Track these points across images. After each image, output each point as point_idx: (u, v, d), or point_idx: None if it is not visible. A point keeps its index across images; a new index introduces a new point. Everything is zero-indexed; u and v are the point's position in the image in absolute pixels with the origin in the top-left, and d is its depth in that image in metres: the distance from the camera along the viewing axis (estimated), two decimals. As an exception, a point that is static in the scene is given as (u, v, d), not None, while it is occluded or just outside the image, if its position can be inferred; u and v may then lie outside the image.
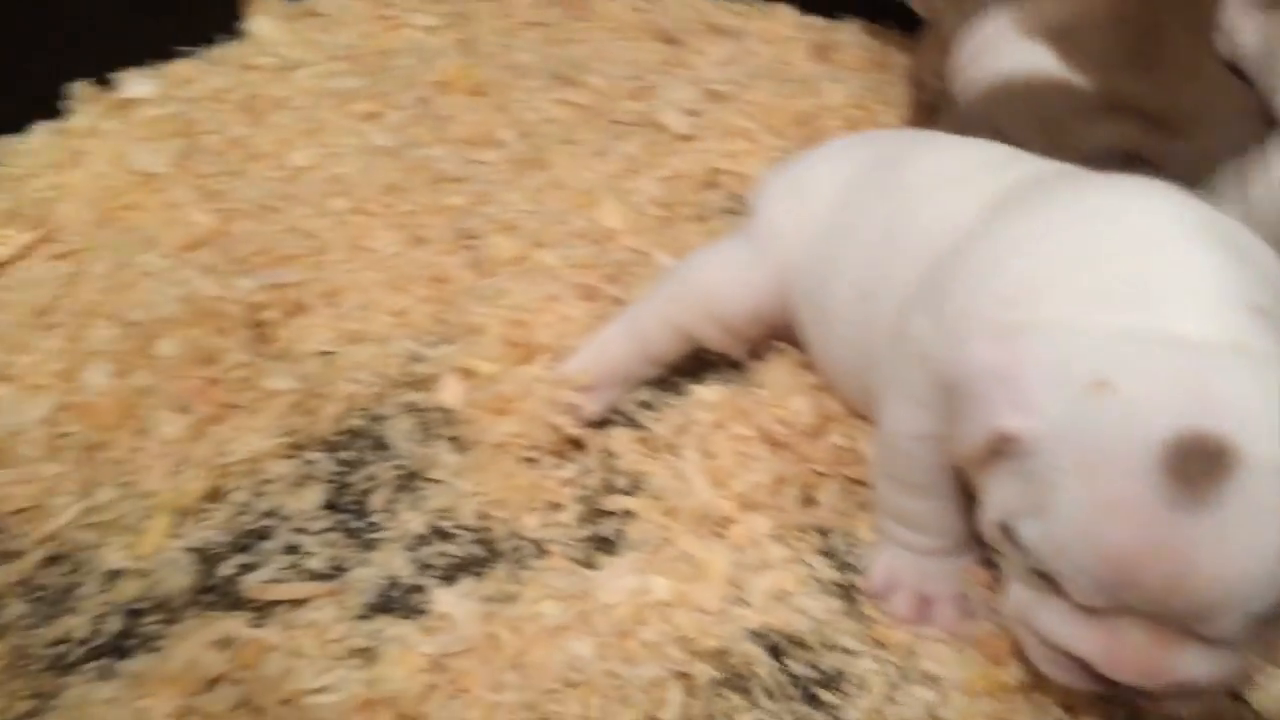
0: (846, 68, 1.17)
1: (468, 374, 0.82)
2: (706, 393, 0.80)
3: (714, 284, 0.79)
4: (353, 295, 0.89)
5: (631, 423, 0.80)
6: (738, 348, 0.81)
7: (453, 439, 0.80)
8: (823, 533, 0.73)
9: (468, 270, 0.92)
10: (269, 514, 0.75)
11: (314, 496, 0.76)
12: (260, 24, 1.14)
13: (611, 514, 0.75)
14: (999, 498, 0.55)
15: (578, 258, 0.91)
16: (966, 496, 0.63)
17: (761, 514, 0.73)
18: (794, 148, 1.02)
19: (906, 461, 0.65)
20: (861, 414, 0.77)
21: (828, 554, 0.72)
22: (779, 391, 0.79)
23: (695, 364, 0.83)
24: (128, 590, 0.70)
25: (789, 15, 1.23)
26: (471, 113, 1.09)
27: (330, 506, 0.76)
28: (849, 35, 1.21)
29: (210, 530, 0.74)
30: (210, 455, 0.77)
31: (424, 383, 0.83)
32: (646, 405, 0.81)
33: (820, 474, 0.75)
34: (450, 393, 0.82)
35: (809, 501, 0.74)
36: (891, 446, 0.66)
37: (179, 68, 1.08)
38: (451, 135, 1.06)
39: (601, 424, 0.80)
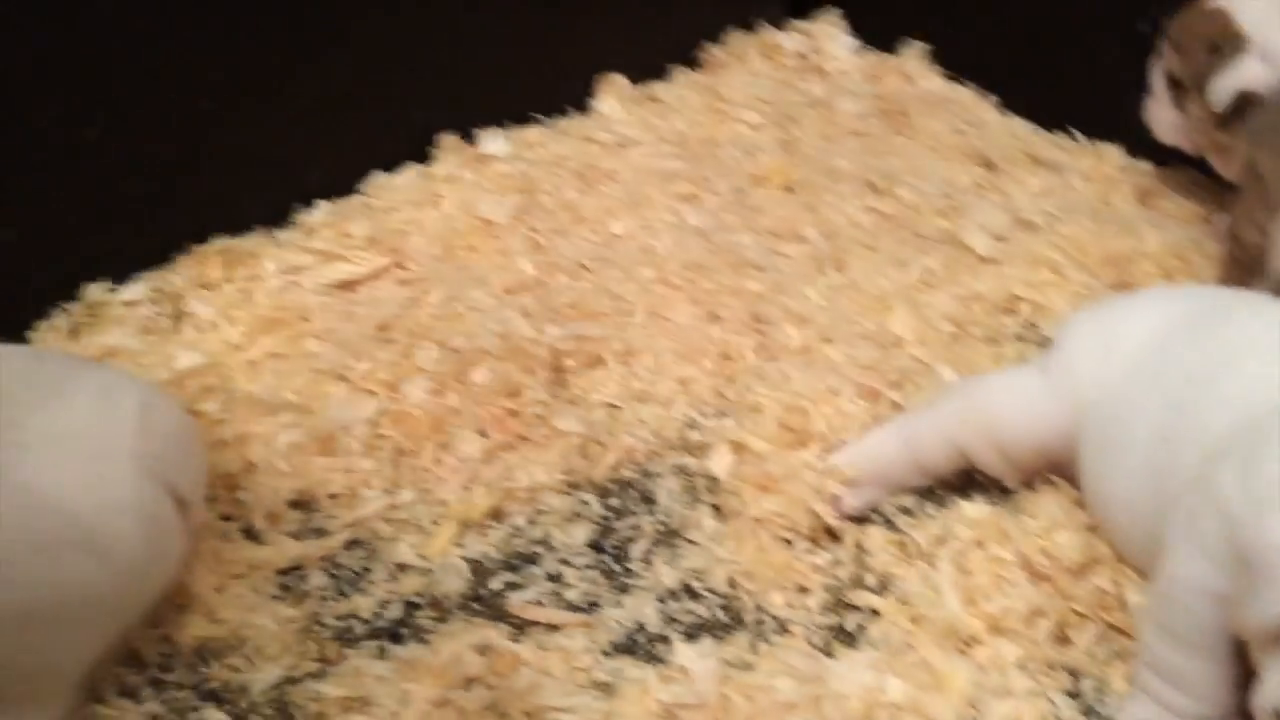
0: (1169, 215, 1.14)
1: (740, 448, 0.86)
2: (971, 509, 0.80)
3: (1001, 408, 0.79)
4: (646, 358, 0.96)
5: (889, 524, 0.82)
6: (1011, 475, 0.81)
7: (715, 506, 0.84)
8: (1073, 674, 0.71)
9: (755, 352, 0.96)
10: (540, 541, 0.82)
11: (581, 534, 0.82)
12: (607, 103, 1.25)
13: (856, 608, 0.76)
14: None
15: (863, 358, 0.93)
16: (1242, 667, 0.60)
17: (1010, 641, 0.72)
18: (1101, 287, 1.01)
19: (1184, 615, 0.63)
20: (1132, 562, 0.75)
21: (1074, 695, 0.70)
22: (1046, 523, 0.78)
23: (962, 479, 0.83)
24: (410, 584, 0.78)
25: (1116, 155, 1.21)
26: (781, 208, 1.14)
27: (594, 546, 0.82)
28: (1177, 183, 1.18)
29: (487, 546, 0.81)
30: (498, 478, 0.85)
31: (697, 449, 0.88)
32: (907, 511, 0.82)
33: (1079, 614, 0.74)
34: (720, 463, 0.86)
35: (1063, 639, 0.73)
36: (1171, 596, 0.64)
37: (530, 133, 1.19)
38: (759, 226, 1.12)
39: (860, 520, 0.82)
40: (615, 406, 0.92)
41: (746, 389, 0.92)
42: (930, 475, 0.83)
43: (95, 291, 0.96)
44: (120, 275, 0.98)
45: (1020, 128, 1.25)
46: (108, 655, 0.70)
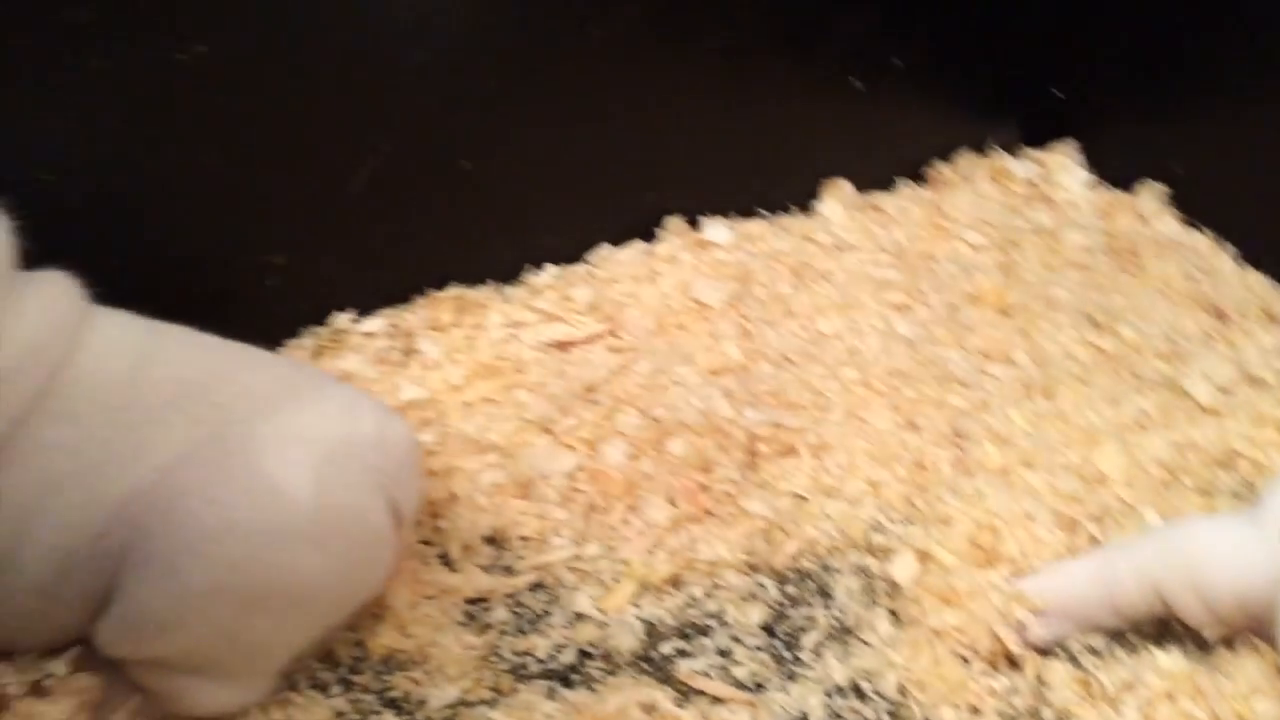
0: None
1: (925, 557, 0.86)
2: (1165, 659, 0.77)
3: (1208, 551, 0.76)
4: (838, 455, 0.97)
5: (1074, 661, 0.79)
6: (1213, 628, 0.77)
7: (893, 611, 0.83)
8: None
9: (951, 466, 0.96)
10: (714, 615, 0.83)
11: (756, 615, 0.83)
12: (830, 207, 1.28)
13: (1029, 739, 0.74)
14: None
15: (1064, 488, 0.91)
16: None
17: (1192, 801, 0.68)
18: (1328, 453, 0.96)
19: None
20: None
21: None
22: (1245, 686, 0.74)
23: (1157, 628, 0.80)
24: (586, 633, 0.81)
25: (1358, 322, 1.16)
26: (994, 329, 1.14)
27: (767, 629, 0.82)
28: None
29: (663, 610, 0.83)
30: (682, 547, 0.87)
31: (880, 551, 0.88)
32: (1094, 651, 0.80)
33: (1271, 787, 0.69)
34: (903, 569, 0.86)
35: (1250, 810, 0.69)
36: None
37: (752, 225, 1.23)
38: (970, 344, 1.12)
39: (1043, 651, 0.80)
40: (802, 497, 0.93)
41: (938, 500, 0.91)
42: (1124, 618, 0.80)
43: (340, 320, 1.05)
44: (364, 308, 1.06)
45: (1257, 281, 1.21)
46: (308, 649, 0.75)
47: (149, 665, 0.69)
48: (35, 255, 0.70)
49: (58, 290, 0.70)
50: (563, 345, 1.08)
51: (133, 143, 0.87)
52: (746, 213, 1.24)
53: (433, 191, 1.05)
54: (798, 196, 1.27)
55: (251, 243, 0.98)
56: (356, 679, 0.76)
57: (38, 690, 0.70)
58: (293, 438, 0.70)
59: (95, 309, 0.72)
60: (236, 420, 0.70)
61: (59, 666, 0.71)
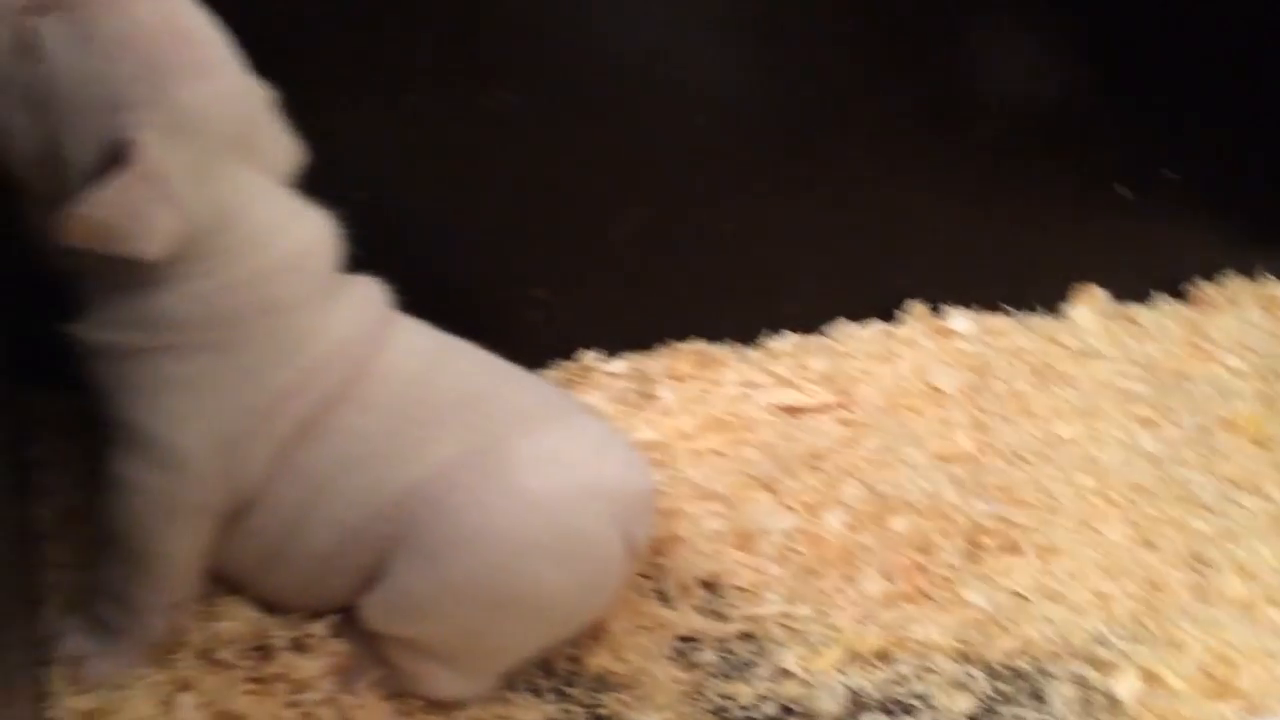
0: None
1: (1151, 678, 0.82)
2: None
3: None
4: (1066, 561, 0.94)
5: (1307, 814, 0.74)
6: None
7: (1109, 727, 0.80)
8: None
9: (1188, 590, 0.92)
10: (920, 697, 0.82)
11: (964, 704, 0.82)
12: (1081, 312, 1.25)
13: None
14: None
15: (1312, 631, 0.86)
16: None
17: None
18: None
19: None
20: None
21: None
22: None
23: None
24: (790, 690, 0.82)
25: None
26: (1247, 458, 1.09)
27: (973, 720, 0.81)
28: None
29: (868, 682, 0.83)
30: (894, 623, 0.87)
31: (1102, 665, 0.85)
32: (1331, 807, 0.74)
33: None
34: (1127, 686, 0.83)
35: None
36: None
37: (997, 320, 1.22)
38: (1219, 470, 1.07)
39: (1272, 796, 0.75)
40: (1024, 597, 0.91)
41: (1171, 623, 0.88)
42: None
43: (588, 357, 1.11)
44: (610, 349, 1.12)
45: None
46: (532, 656, 0.79)
47: (400, 643, 0.75)
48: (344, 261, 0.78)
49: (369, 294, 0.79)
50: (793, 410, 1.10)
51: (436, 172, 0.96)
52: (992, 306, 1.24)
53: (690, 248, 1.10)
54: (1047, 297, 1.26)
55: (520, 275, 1.05)
56: (569, 691, 0.79)
57: (298, 646, 0.77)
58: (553, 460, 0.76)
59: (397, 315, 0.80)
60: (506, 434, 0.76)
61: (320, 628, 0.78)
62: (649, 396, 1.09)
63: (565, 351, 1.10)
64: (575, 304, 1.08)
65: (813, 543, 0.94)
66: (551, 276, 1.06)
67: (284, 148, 0.76)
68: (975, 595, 0.90)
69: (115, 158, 0.66)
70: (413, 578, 0.73)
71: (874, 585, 0.90)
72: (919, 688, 0.83)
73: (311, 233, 0.76)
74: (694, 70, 1.03)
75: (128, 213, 0.66)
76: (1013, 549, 0.95)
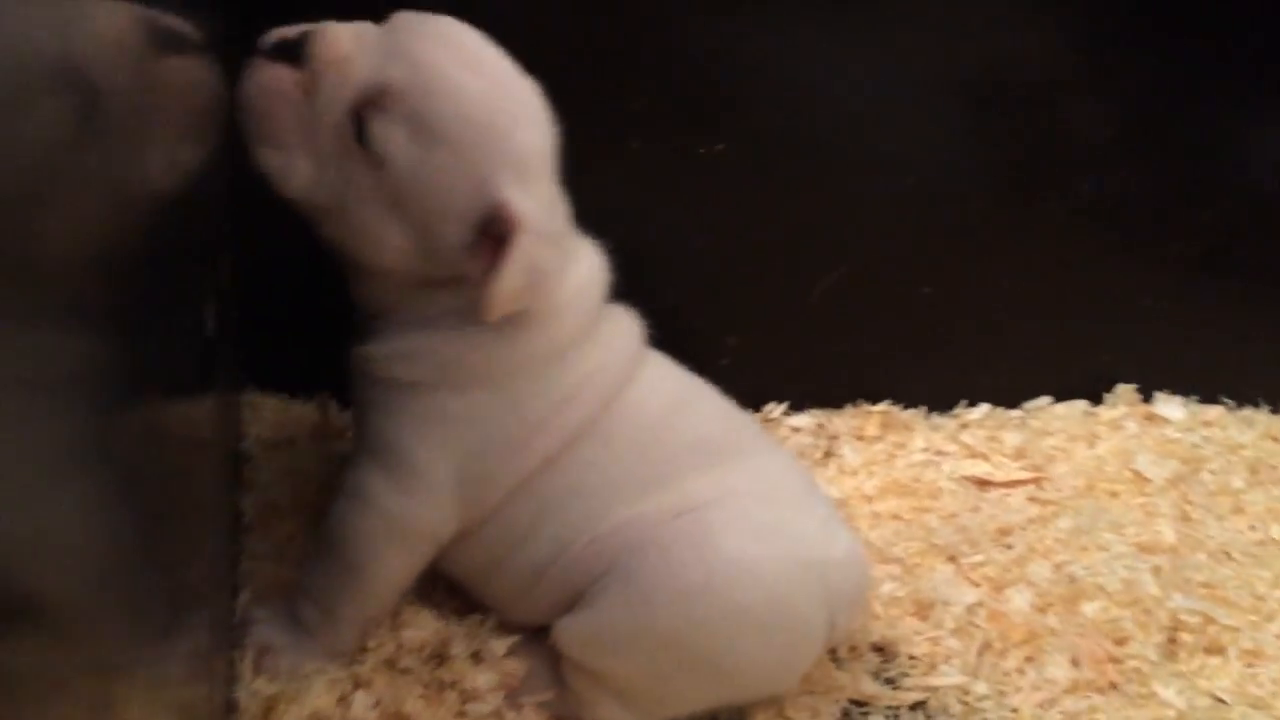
0: None
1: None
2: None
3: None
4: (1272, 667, 0.87)
5: None
6: None
7: None
8: None
9: None
10: (1103, 792, 0.77)
11: (1151, 807, 0.76)
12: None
13: None
14: None
15: None
16: None
17: None
18: None
19: None
20: None
21: None
22: None
23: None
24: (960, 766, 0.78)
25: None
26: None
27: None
28: None
29: (1046, 769, 0.78)
30: (1078, 712, 0.82)
31: (1310, 785, 0.78)
32: None
33: None
34: (1339, 810, 0.75)
35: None
36: None
37: (1211, 411, 1.16)
38: None
39: None
40: (1223, 700, 0.85)
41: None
42: None
43: (773, 409, 1.10)
44: (796, 404, 1.11)
45: None
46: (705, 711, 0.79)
47: (581, 670, 0.75)
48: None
49: (627, 326, 0.80)
50: (982, 483, 1.06)
51: (649, 212, 0.98)
52: (1208, 397, 1.17)
53: (888, 309, 1.09)
54: (1271, 392, 1.18)
55: (716, 320, 1.06)
56: (729, 740, 0.78)
57: (475, 658, 0.79)
58: (780, 530, 0.75)
59: (647, 350, 0.81)
60: (739, 491, 0.75)
61: (498, 645, 0.80)
62: (832, 455, 1.07)
63: (752, 402, 1.10)
64: (766, 355, 1.08)
65: (995, 620, 0.90)
66: (745, 325, 1.07)
67: None
68: (1170, 693, 0.84)
69: (491, 226, 0.69)
70: (617, 613, 0.73)
71: (1060, 671, 0.85)
72: (1102, 783, 0.78)
73: (589, 267, 0.78)
74: (908, 132, 1.02)
75: (532, 270, 0.69)
76: (1214, 649, 0.89)
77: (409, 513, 0.75)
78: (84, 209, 0.42)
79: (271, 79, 0.70)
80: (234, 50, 0.75)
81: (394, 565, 0.77)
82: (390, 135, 0.68)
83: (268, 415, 0.99)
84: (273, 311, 0.97)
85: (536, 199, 0.70)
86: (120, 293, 0.49)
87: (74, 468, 0.43)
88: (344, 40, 0.70)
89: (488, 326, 0.71)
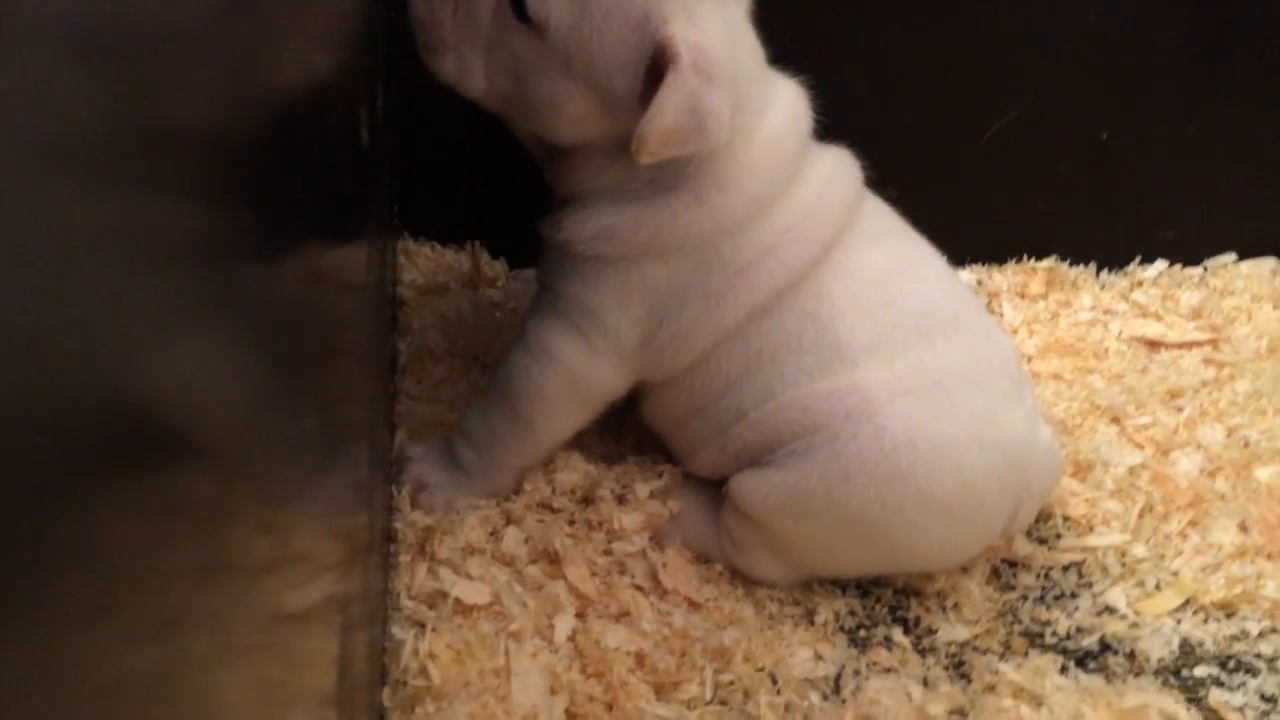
0: None
1: None
2: None
3: None
4: None
5: None
6: None
7: None
8: None
9: None
10: (1266, 659, 0.74)
11: (1320, 679, 0.73)
12: None
13: None
14: None
15: None
16: None
17: None
18: None
19: None
20: None
21: None
22: None
23: None
24: (1114, 628, 0.76)
25: None
26: None
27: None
28: None
29: (1206, 634, 0.76)
30: (1245, 577, 0.79)
31: None
32: None
33: None
34: None
35: None
36: None
37: None
38: None
39: None
40: None
41: None
42: None
43: (930, 263, 1.06)
44: (958, 259, 1.05)
45: None
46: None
47: (746, 521, 0.75)
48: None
49: (839, 171, 0.76)
50: (1153, 344, 1.01)
51: (807, 55, 0.93)
52: None
53: (1059, 157, 1.02)
54: None
55: (876, 168, 1.01)
56: (874, 590, 0.78)
57: (621, 500, 0.80)
58: (992, 426, 0.71)
59: (866, 197, 0.78)
60: (958, 373, 0.72)
61: (643, 489, 0.80)
62: (991, 312, 1.03)
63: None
64: (927, 207, 1.03)
65: (1159, 482, 0.86)
66: (907, 173, 1.02)
67: None
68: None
69: (660, 67, 0.64)
70: (812, 481, 0.71)
71: (1226, 536, 0.81)
72: (1266, 649, 0.74)
73: (787, 110, 0.73)
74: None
75: (690, 109, 0.64)
76: (1405, 524, 0.83)
77: (594, 374, 0.75)
78: (244, 37, 0.42)
79: None
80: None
81: (566, 421, 0.78)
82: (547, 5, 0.66)
83: (421, 262, 1.01)
84: (426, 162, 0.97)
85: (706, 34, 0.66)
86: (279, 109, 0.50)
87: (235, 306, 0.44)
88: None
89: (686, 192, 0.69)
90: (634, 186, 0.71)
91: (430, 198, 1.01)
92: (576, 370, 0.75)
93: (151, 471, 0.35)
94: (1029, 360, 0.99)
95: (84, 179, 0.28)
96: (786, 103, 0.73)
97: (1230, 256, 1.08)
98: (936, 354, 0.72)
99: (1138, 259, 1.08)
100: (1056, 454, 0.77)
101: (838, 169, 0.76)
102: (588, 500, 0.81)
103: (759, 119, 0.71)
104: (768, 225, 0.72)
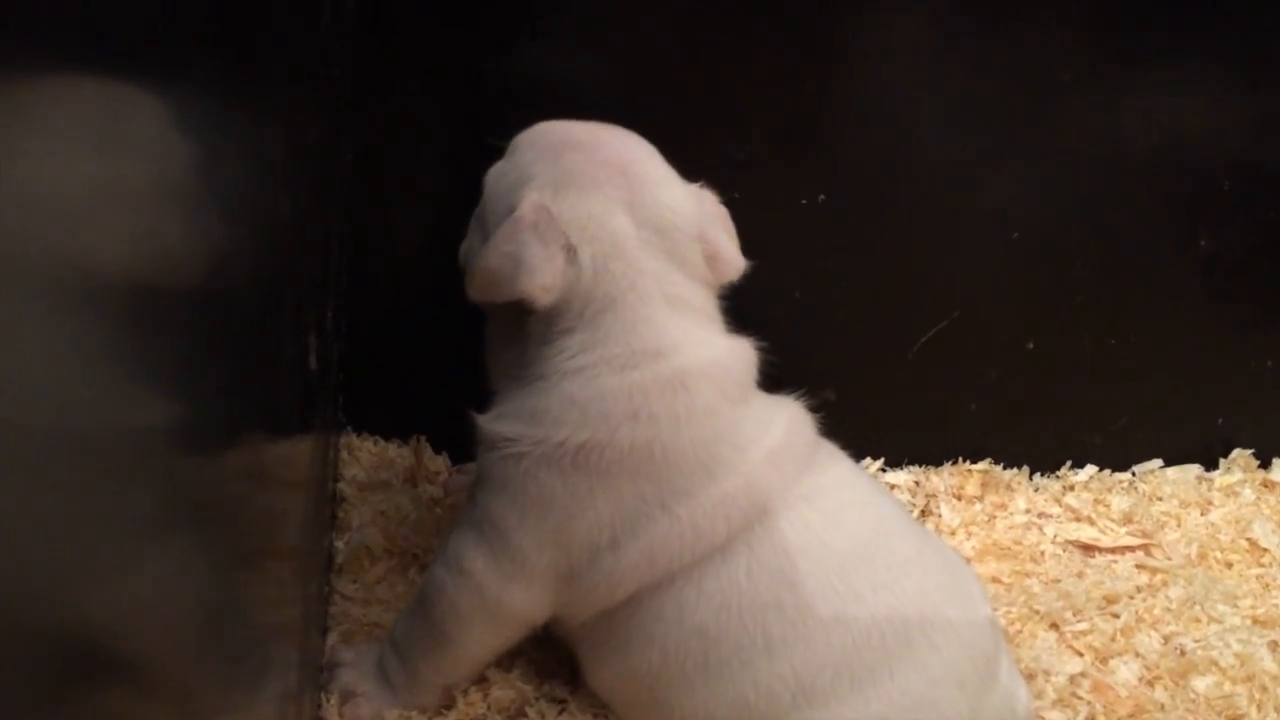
0: None
1: None
2: None
3: None
4: None
5: None
6: None
7: None
8: None
9: None
10: None
11: None
12: None
13: None
14: None
15: None
16: None
17: None
18: None
19: None
20: None
21: None
22: None
23: None
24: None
25: None
26: None
27: None
28: None
29: None
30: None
31: None
32: None
33: None
34: None
35: None
36: None
37: (1334, 479, 1.10)
38: None
39: None
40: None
41: None
42: None
43: (870, 466, 1.08)
44: (893, 460, 1.09)
45: None
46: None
47: None
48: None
49: (784, 430, 0.74)
50: (1087, 548, 1.02)
51: (750, 258, 0.97)
52: (1332, 467, 1.11)
53: (987, 366, 1.06)
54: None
55: (813, 373, 1.03)
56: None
57: None
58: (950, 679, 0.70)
59: (820, 458, 0.76)
60: (941, 678, 0.70)
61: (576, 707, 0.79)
62: (929, 513, 1.04)
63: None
64: (864, 409, 1.06)
65: (1099, 692, 0.86)
66: (844, 378, 1.05)
67: (715, 255, 0.75)
68: (1291, 781, 0.79)
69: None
70: None
71: (1170, 750, 0.81)
72: None
73: (710, 354, 0.72)
74: (1012, 185, 1.00)
75: (512, 254, 0.69)
76: (1341, 735, 0.83)
77: (504, 595, 0.72)
78: (195, 250, 0.43)
79: None
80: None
81: (482, 640, 0.76)
82: (494, 168, 0.77)
83: (364, 458, 1.01)
84: (371, 355, 0.98)
85: (562, 208, 0.70)
86: (227, 327, 0.50)
87: (176, 511, 0.43)
88: None
89: (562, 382, 0.70)
90: (519, 371, 0.73)
91: (374, 393, 1.01)
92: (486, 589, 0.73)
93: (70, 689, 0.33)
94: (968, 563, 0.99)
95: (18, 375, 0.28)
96: (715, 351, 0.73)
97: (1157, 463, 1.11)
98: (919, 662, 0.69)
99: (1069, 463, 1.10)
100: (1031, 713, 0.77)
101: (789, 427, 0.74)
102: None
103: (656, 346, 0.70)
104: (680, 473, 0.69)
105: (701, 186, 0.78)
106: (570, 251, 0.70)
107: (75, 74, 0.30)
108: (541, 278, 0.69)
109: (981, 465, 1.09)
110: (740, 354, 0.75)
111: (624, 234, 0.71)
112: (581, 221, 0.71)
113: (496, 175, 0.77)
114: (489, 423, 0.73)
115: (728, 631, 0.69)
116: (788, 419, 0.75)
